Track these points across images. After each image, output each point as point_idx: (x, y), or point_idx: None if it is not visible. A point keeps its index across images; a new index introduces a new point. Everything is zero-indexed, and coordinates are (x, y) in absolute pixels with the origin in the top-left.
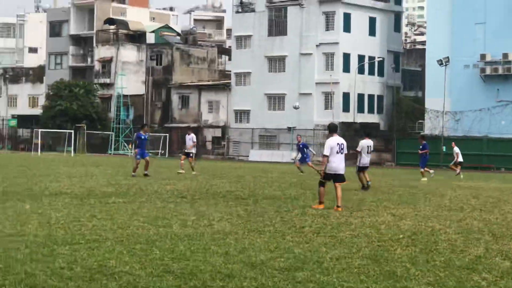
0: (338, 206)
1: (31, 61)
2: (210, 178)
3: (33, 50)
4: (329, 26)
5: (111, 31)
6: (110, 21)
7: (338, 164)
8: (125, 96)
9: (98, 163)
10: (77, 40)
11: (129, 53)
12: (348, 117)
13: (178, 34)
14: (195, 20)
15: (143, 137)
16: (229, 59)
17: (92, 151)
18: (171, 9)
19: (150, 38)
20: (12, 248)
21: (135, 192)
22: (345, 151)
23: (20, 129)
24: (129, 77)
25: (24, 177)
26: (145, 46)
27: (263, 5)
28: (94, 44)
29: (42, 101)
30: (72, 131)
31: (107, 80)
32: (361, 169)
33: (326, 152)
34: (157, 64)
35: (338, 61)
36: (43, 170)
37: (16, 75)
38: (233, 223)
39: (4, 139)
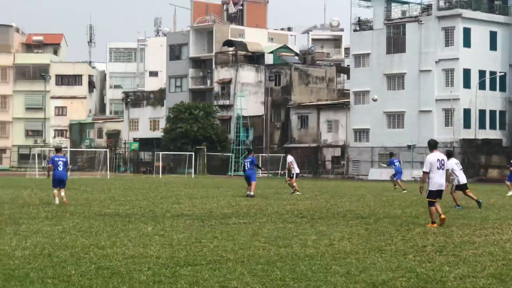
0: (441, 215)
1: (151, 84)
2: (330, 198)
3: (153, 73)
4: (448, 41)
5: (230, 52)
6: (228, 43)
7: (439, 179)
8: (244, 117)
9: (218, 184)
10: (197, 62)
11: (247, 74)
12: (469, 134)
13: (296, 54)
14: (313, 39)
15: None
16: (348, 78)
17: (212, 172)
18: (289, 29)
19: (269, 59)
20: (135, 270)
21: (255, 213)
22: (446, 167)
23: (141, 152)
24: (248, 98)
25: (146, 200)
26: (264, 67)
27: (381, 23)
28: (213, 66)
29: (162, 124)
30: (193, 153)
31: (227, 102)
32: (459, 188)
33: (425, 168)
34: (275, 85)
35: (458, 77)
36: (165, 192)
37: (137, 98)
38: (354, 243)
39: (126, 162)
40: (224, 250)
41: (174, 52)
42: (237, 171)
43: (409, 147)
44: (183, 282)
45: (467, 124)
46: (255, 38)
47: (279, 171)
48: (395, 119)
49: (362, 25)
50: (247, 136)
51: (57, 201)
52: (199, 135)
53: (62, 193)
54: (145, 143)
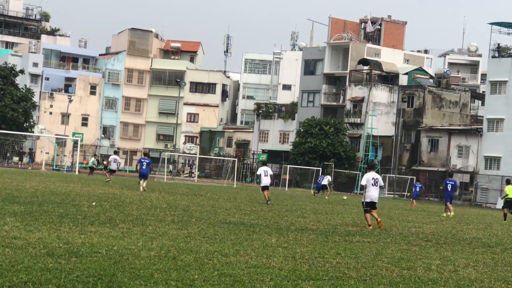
0: (378, 220)
1: (284, 97)
2: (456, 224)
3: (286, 87)
4: None
5: (364, 71)
6: (364, 61)
7: (373, 193)
8: (374, 136)
9: (344, 201)
10: (330, 79)
11: (380, 94)
12: None
13: (431, 77)
14: (449, 63)
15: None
16: (482, 104)
17: (338, 189)
18: (425, 51)
19: (403, 80)
20: (257, 280)
21: (379, 233)
22: (380, 184)
23: (269, 164)
24: (380, 117)
25: (271, 211)
26: (397, 87)
27: None
28: (347, 84)
29: (292, 137)
30: (320, 168)
31: (358, 120)
32: (264, 189)
33: (362, 183)
34: (408, 106)
35: None
36: (290, 205)
37: (268, 110)
38: (479, 271)
39: (254, 173)
40: (347, 267)
41: (309, 67)
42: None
43: None
44: None
45: None
46: (391, 58)
47: (405, 193)
48: None
49: (501, 51)
50: (375, 156)
51: (141, 189)
52: (327, 151)
53: (144, 184)
54: (273, 155)
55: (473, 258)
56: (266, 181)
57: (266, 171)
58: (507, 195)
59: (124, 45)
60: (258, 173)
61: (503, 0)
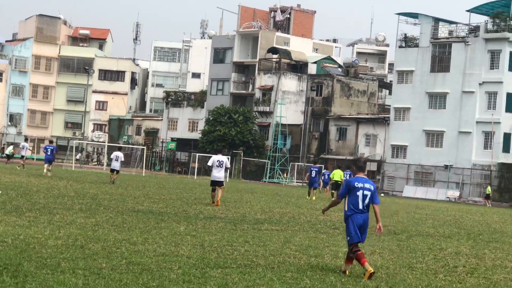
0: (218, 199)
1: (193, 86)
2: None
3: (196, 75)
4: (493, 64)
5: (273, 60)
6: (273, 50)
7: (218, 174)
8: (283, 125)
9: (252, 190)
10: (240, 67)
11: (290, 83)
12: (507, 158)
13: (340, 66)
14: (357, 53)
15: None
16: (389, 94)
17: (247, 178)
18: (334, 41)
19: (312, 69)
20: (165, 268)
21: (288, 221)
22: (226, 165)
23: (178, 152)
24: (288, 106)
25: (180, 200)
26: (306, 76)
27: (427, 41)
28: (256, 72)
29: (201, 125)
30: (229, 157)
31: (267, 108)
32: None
33: (208, 163)
34: (317, 95)
35: (501, 101)
36: (199, 193)
37: (178, 99)
38: (385, 258)
39: (162, 161)
40: (255, 255)
41: (218, 55)
42: (272, 178)
43: (446, 167)
44: (213, 283)
45: (506, 148)
46: (300, 47)
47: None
48: (434, 138)
49: (408, 41)
50: (284, 144)
51: (45, 171)
52: (236, 139)
53: (50, 168)
54: (183, 144)
55: (379, 245)
56: (115, 164)
57: (118, 156)
58: (333, 178)
59: (32, 32)
60: (111, 156)
61: None
